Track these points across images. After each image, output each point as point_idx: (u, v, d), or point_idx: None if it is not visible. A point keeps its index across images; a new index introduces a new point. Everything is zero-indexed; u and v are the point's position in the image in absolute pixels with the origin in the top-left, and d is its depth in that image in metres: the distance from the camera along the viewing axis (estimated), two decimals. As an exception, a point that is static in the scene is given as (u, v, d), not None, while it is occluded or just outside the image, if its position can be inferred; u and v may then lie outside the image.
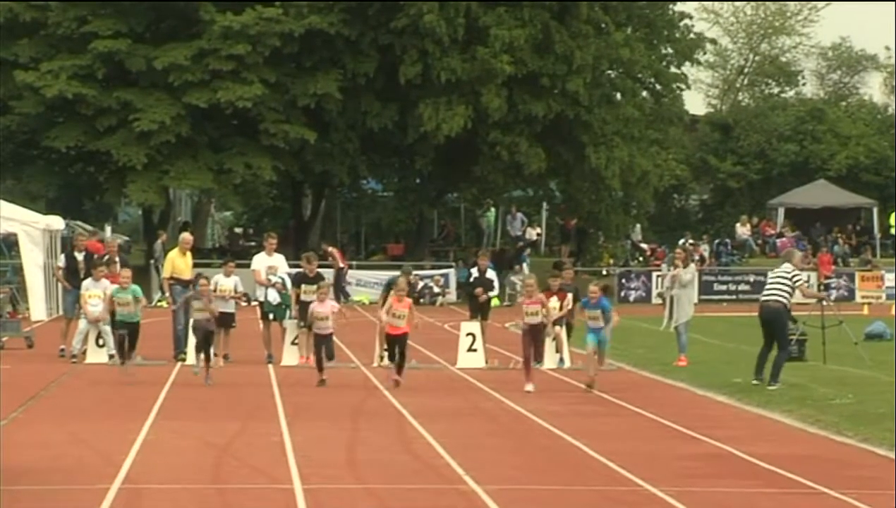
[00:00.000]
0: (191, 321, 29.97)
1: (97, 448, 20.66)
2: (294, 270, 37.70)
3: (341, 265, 55.79)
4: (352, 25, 64.64)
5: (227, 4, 63.96)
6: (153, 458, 20.12)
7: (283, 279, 35.86)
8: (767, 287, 31.53)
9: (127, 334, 28.86)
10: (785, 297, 30.50)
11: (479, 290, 36.06)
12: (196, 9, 63.71)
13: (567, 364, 34.03)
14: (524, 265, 67.00)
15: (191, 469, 19.18)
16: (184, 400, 26.26)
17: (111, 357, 32.03)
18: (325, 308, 28.91)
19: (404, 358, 27.65)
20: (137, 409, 24.34)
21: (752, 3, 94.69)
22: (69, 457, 19.97)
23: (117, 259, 37.32)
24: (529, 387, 25.70)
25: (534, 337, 27.47)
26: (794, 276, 30.76)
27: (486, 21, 64.43)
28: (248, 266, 37.15)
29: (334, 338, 30.58)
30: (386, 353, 33.37)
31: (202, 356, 28.78)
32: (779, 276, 31.14)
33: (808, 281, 33.09)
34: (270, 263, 36.05)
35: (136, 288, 29.79)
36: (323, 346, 28.77)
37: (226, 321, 33.74)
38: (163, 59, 63.27)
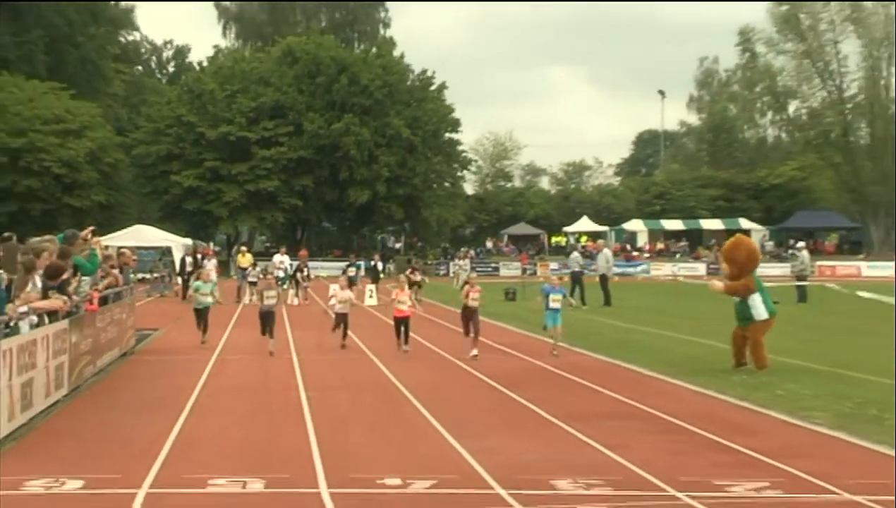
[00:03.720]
0: (261, 308, 19.40)
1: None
2: (294, 262, 37.81)
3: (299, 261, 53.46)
4: (318, 154, 64.34)
5: (263, 145, 63.56)
6: (230, 344, 20.36)
7: (286, 267, 35.97)
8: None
9: (203, 319, 20.34)
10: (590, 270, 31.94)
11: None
12: (249, 149, 63.37)
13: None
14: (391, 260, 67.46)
15: (247, 349, 19.37)
16: (244, 321, 26.17)
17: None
18: (346, 293, 20.14)
19: (408, 334, 19.05)
20: (222, 325, 24.26)
21: (493, 141, 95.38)
22: (192, 345, 20.09)
23: (214, 259, 37.62)
24: (474, 352, 17.91)
25: (470, 316, 18.41)
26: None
27: (377, 153, 64.48)
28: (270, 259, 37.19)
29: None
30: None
31: (267, 335, 18.99)
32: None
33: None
34: (280, 259, 36.62)
35: (213, 284, 21.70)
36: (342, 322, 19.86)
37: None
38: (234, 169, 62.84)
